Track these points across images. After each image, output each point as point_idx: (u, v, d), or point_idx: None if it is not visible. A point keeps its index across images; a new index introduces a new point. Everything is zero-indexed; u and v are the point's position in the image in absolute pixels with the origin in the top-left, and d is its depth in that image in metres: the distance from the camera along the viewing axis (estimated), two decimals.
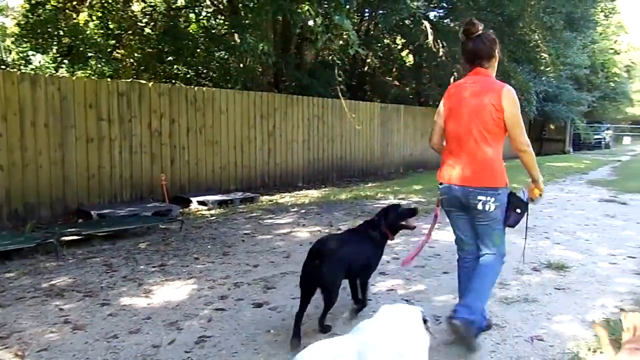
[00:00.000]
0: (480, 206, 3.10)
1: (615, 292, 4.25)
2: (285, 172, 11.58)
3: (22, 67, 12.39)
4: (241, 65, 14.59)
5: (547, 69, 19.33)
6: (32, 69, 12.51)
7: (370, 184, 11.94)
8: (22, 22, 12.45)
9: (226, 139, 10.21)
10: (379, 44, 19.41)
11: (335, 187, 11.50)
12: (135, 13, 14.45)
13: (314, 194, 10.13)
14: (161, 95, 9.06)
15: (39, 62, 13.24)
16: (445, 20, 17.96)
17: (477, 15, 15.39)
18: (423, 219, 6.40)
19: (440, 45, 15.17)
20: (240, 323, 3.63)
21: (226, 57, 15.06)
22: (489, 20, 14.84)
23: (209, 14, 15.19)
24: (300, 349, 2.21)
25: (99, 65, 13.32)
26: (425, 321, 2.42)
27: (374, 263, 3.70)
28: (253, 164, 10.81)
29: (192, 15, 15.02)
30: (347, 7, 10.29)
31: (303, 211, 8.13)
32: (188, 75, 14.86)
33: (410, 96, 20.70)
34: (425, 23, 15.16)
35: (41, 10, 12.02)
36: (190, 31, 14.78)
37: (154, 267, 5.07)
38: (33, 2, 11.84)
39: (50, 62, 13.06)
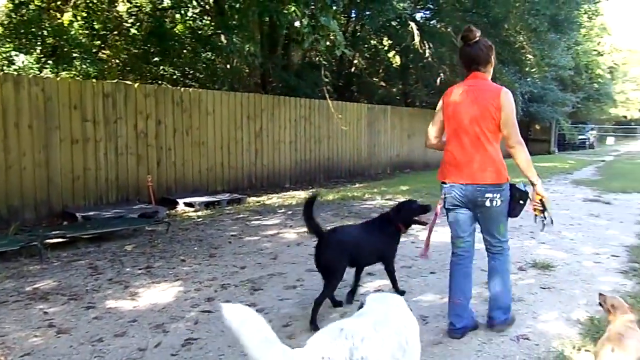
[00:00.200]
0: (488, 203, 3.27)
1: (600, 291, 4.28)
2: (272, 173, 11.55)
3: (5, 67, 12.20)
4: (228, 66, 14.56)
5: (532, 70, 19.57)
6: (15, 70, 12.33)
7: (357, 185, 11.96)
8: (5, 22, 12.24)
9: (213, 140, 10.16)
10: (366, 45, 19.49)
11: (322, 187, 11.50)
12: (120, 13, 14.30)
13: (301, 195, 10.11)
14: (147, 96, 8.99)
15: (23, 62, 13.02)
16: (431, 22, 18.11)
17: (463, 17, 15.54)
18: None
19: (427, 46, 15.28)
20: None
21: (213, 58, 14.99)
22: (474, 22, 14.94)
23: (195, 15, 15.10)
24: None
25: (84, 66, 13.14)
26: None
27: (387, 253, 4.03)
28: (240, 165, 10.77)
29: (178, 16, 14.89)
30: (334, 8, 10.30)
31: (290, 212, 8.12)
32: (174, 76, 14.77)
33: (397, 97, 20.81)
34: (412, 24, 15.26)
35: (25, 10, 11.84)
36: (177, 32, 14.66)
37: (140, 269, 5.03)
38: (16, 1, 11.67)
39: (34, 62, 12.86)
